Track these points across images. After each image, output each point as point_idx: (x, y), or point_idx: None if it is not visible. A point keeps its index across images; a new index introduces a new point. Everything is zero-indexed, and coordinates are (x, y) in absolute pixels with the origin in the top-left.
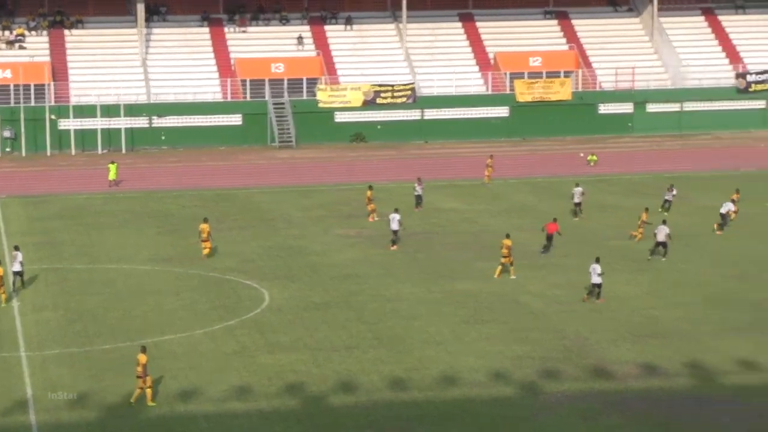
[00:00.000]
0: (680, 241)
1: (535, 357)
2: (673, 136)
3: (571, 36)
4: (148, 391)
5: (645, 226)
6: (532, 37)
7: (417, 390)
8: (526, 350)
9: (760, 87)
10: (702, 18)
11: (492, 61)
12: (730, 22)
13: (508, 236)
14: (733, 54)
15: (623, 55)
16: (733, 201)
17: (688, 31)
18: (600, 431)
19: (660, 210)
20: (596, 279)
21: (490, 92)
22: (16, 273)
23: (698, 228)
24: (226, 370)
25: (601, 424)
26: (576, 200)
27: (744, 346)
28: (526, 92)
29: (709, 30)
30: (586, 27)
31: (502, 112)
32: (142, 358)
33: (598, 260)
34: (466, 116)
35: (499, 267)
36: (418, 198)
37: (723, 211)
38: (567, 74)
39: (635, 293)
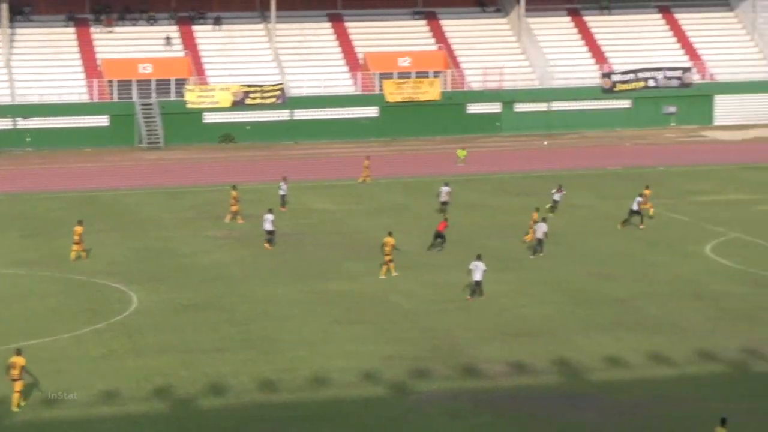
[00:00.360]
0: (548, 239)
1: (405, 357)
2: (540, 135)
3: (439, 36)
4: (15, 395)
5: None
6: (401, 37)
7: (287, 391)
8: (397, 350)
9: (624, 87)
10: (568, 19)
11: (361, 62)
12: (596, 22)
13: (390, 234)
14: (598, 54)
15: (491, 55)
16: (642, 195)
17: (555, 31)
18: (470, 430)
19: (547, 209)
20: (477, 276)
21: (359, 92)
22: None
23: (567, 227)
24: (93, 375)
25: (470, 423)
26: (443, 199)
27: (609, 343)
28: (395, 92)
29: (576, 31)
30: (454, 27)
31: (372, 112)
32: (20, 360)
33: (479, 257)
34: (335, 116)
35: (384, 267)
36: (283, 198)
37: (635, 207)
38: (436, 74)
39: (504, 291)
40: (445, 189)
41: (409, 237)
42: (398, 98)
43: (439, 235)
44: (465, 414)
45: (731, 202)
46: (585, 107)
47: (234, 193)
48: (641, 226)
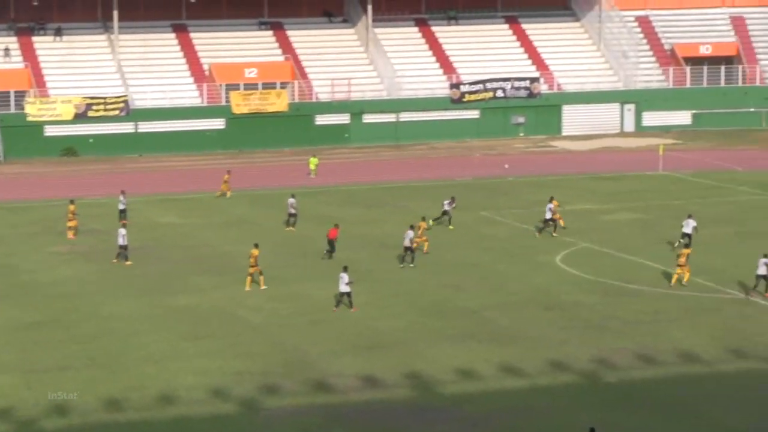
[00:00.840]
0: (394, 251)
1: (255, 372)
2: (389, 146)
3: (286, 47)
4: None
5: (427, 234)
6: (247, 48)
7: (134, 410)
8: (246, 365)
9: (473, 97)
10: (416, 29)
11: (207, 73)
12: (444, 33)
13: (256, 246)
14: (447, 65)
15: (339, 66)
16: (550, 209)
17: (403, 42)
18: None
19: (434, 220)
20: (344, 288)
21: (205, 104)
22: None
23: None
24: None
25: None
26: (290, 211)
27: (461, 354)
28: (242, 104)
29: (423, 41)
30: (301, 38)
31: (218, 124)
32: None
33: (346, 269)
34: (181, 128)
35: (248, 278)
36: (122, 212)
37: (548, 216)
38: (283, 85)
39: (355, 304)
40: (291, 201)
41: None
42: (245, 110)
43: (330, 243)
44: (316, 430)
45: (580, 212)
46: (433, 118)
47: (71, 207)
48: (554, 234)
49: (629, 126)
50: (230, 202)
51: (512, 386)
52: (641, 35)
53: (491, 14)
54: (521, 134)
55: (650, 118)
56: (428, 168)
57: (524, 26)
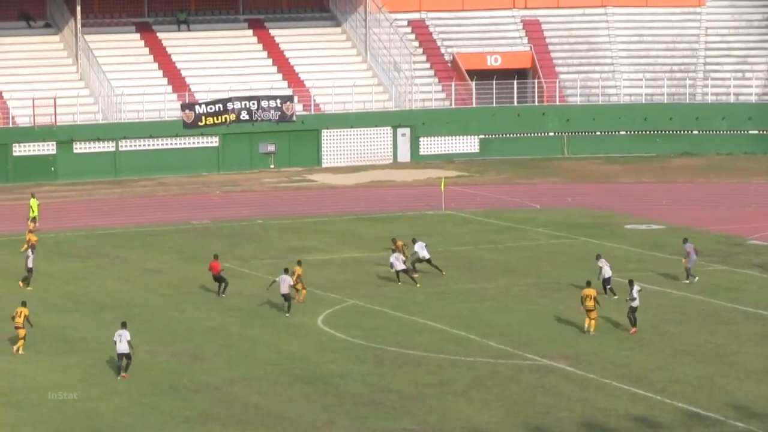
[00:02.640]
0: (115, 312)
1: None
2: (108, 182)
3: None
4: None
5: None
6: None
7: None
8: None
9: (211, 120)
10: (137, 36)
11: None
12: (173, 41)
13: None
14: (177, 81)
15: (41, 81)
16: (396, 249)
17: (121, 52)
18: None
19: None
20: (123, 348)
21: None
22: None
23: (142, 296)
24: None
25: None
26: None
27: None
28: None
29: (147, 51)
30: None
31: None
32: None
33: (124, 325)
34: None
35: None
36: None
37: (400, 267)
38: None
39: (64, 381)
40: None
41: None
42: None
43: (217, 278)
44: None
45: (345, 262)
46: (162, 146)
47: None
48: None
49: (404, 155)
50: None
51: None
52: (416, 43)
53: (231, 17)
54: (272, 166)
55: (429, 145)
56: (156, 209)
57: (272, 32)
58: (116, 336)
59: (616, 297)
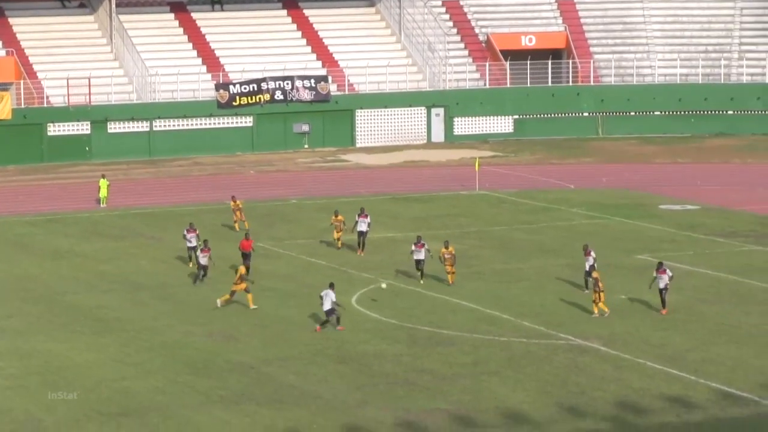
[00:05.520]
0: (149, 292)
1: None
2: (142, 162)
3: (8, 38)
4: None
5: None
6: None
7: None
8: None
9: (245, 100)
10: (172, 17)
11: None
12: (207, 21)
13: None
14: (211, 60)
15: (76, 62)
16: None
17: (156, 32)
18: None
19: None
20: (328, 306)
21: None
22: None
23: (171, 276)
24: None
25: None
26: None
27: (235, 420)
28: None
29: (182, 32)
30: (27, 27)
31: None
32: None
33: (332, 286)
34: None
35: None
36: None
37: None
38: (5, 87)
39: (99, 360)
40: None
41: None
42: None
43: (246, 257)
44: None
45: (380, 242)
46: (196, 126)
47: None
48: (359, 252)
49: (438, 135)
50: None
51: None
52: (450, 24)
53: None
54: (306, 146)
55: (463, 126)
56: (190, 189)
57: (307, 13)
58: (323, 293)
59: (587, 291)
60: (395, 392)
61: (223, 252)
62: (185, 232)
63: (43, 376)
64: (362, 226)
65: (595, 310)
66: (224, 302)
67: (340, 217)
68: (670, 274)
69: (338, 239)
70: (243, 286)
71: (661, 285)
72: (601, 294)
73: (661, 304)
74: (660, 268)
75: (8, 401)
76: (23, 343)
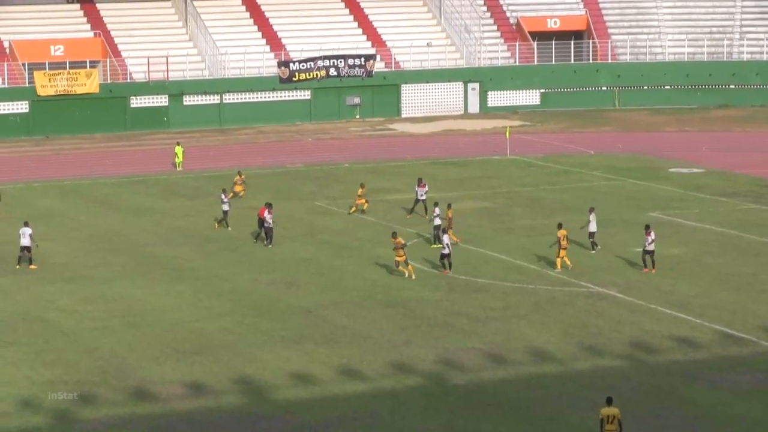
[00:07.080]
0: (219, 245)
1: (67, 381)
2: (213, 131)
3: (96, 21)
4: None
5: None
6: (52, 23)
7: None
8: (57, 374)
9: (303, 76)
10: (240, 2)
11: (7, 50)
12: (270, 5)
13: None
14: (274, 40)
15: (155, 42)
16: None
17: (225, 15)
18: None
19: (408, 214)
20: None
21: (6, 85)
22: None
23: (245, 231)
24: None
25: None
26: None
27: (296, 357)
28: (48, 85)
29: (248, 14)
30: (112, 12)
31: (22, 107)
32: None
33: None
34: None
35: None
36: None
37: (420, 196)
38: (93, 64)
39: (175, 304)
40: None
41: (67, 246)
42: (51, 91)
43: (261, 224)
44: None
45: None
46: (261, 99)
47: None
48: (426, 216)
49: (473, 107)
50: (36, 193)
51: (352, 391)
52: (484, 8)
53: None
54: (357, 116)
55: (496, 98)
56: (256, 154)
57: None
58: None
59: (595, 250)
60: (435, 333)
61: (287, 210)
62: (222, 196)
63: (126, 318)
64: (422, 195)
65: (558, 265)
66: (409, 273)
67: (364, 189)
68: (653, 236)
69: (357, 207)
70: (403, 257)
71: (649, 248)
72: (562, 251)
73: (643, 264)
74: (647, 230)
75: (95, 341)
76: (108, 289)
